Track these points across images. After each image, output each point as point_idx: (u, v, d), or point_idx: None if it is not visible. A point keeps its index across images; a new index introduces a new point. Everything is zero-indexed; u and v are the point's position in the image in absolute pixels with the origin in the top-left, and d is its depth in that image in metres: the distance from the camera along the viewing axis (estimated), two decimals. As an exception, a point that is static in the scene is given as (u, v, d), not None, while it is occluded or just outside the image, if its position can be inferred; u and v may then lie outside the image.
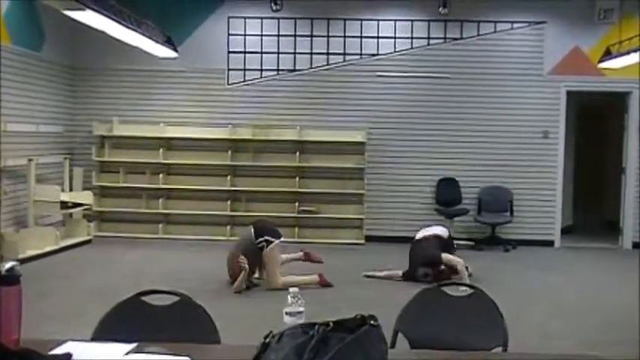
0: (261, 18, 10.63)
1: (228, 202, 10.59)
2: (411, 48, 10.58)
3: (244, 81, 10.69)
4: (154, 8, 9.47)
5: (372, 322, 1.73)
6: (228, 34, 10.68)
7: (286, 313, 2.19)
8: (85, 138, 10.68)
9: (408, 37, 10.57)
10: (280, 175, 10.52)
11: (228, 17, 10.65)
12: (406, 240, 9.98)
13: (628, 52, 8.99)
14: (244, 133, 10.54)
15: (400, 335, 2.80)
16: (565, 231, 11.05)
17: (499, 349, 2.71)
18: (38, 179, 9.29)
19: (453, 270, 7.65)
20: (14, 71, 8.85)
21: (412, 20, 10.55)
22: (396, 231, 10.47)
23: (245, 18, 10.65)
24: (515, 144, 10.56)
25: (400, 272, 7.90)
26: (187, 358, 2.15)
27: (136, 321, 2.65)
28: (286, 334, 1.73)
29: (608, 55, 9.71)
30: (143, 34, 8.31)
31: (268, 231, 7.36)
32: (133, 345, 2.27)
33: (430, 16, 10.49)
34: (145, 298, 2.74)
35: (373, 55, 10.59)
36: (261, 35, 10.66)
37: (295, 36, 10.65)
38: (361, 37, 10.59)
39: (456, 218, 10.30)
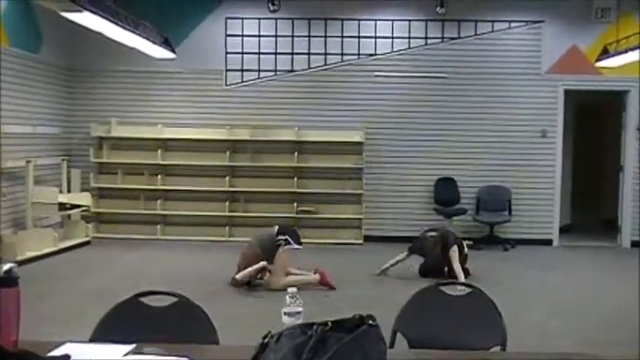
0: (259, 19, 10.63)
1: (227, 203, 10.58)
2: (409, 48, 10.58)
3: (242, 82, 10.69)
4: (152, 9, 9.47)
5: (370, 321, 1.73)
6: (226, 35, 10.67)
7: (285, 314, 2.19)
8: (83, 139, 10.68)
9: (405, 37, 10.58)
10: (278, 176, 10.53)
11: (226, 18, 10.65)
12: (405, 240, 10.01)
13: (625, 51, 8.99)
14: (242, 134, 10.53)
15: (399, 335, 2.80)
16: (563, 230, 11.06)
17: (497, 349, 2.71)
18: (36, 181, 9.28)
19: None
20: (12, 73, 8.84)
21: (409, 20, 10.55)
22: (394, 231, 10.47)
23: (242, 19, 10.65)
24: (513, 143, 10.57)
25: (405, 254, 8.05)
26: (186, 358, 2.15)
27: (135, 322, 2.65)
28: (285, 334, 1.73)
29: (605, 53, 9.72)
30: (140, 36, 8.31)
31: (290, 232, 7.43)
32: (132, 346, 2.27)
33: (428, 16, 10.50)
34: (144, 299, 2.74)
35: (371, 55, 10.59)
36: (259, 36, 10.66)
37: (293, 36, 10.65)
38: (359, 37, 10.59)
39: (454, 218, 10.30)
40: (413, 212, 10.42)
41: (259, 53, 10.66)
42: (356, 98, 10.57)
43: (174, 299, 2.74)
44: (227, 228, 10.57)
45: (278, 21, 10.62)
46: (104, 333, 2.55)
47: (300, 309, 2.20)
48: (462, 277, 7.61)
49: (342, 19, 10.58)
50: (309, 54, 10.63)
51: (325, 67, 10.63)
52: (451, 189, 10.46)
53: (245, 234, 10.36)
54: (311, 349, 1.64)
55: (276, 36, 10.64)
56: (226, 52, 10.69)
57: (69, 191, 10.16)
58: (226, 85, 10.70)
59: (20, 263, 7.74)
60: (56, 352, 2.15)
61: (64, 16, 7.01)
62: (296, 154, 10.44)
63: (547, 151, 10.59)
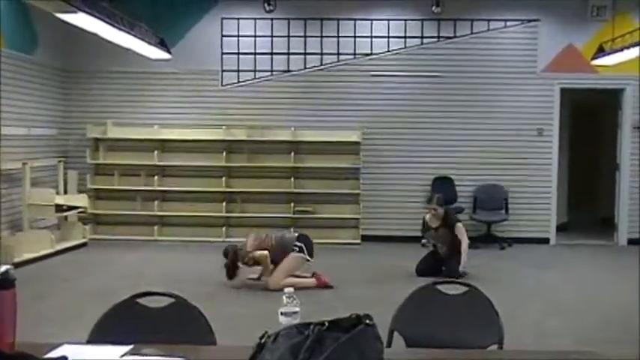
0: (255, 19, 10.63)
1: (224, 204, 10.58)
2: (405, 47, 10.59)
3: (238, 82, 10.69)
4: (147, 10, 9.45)
5: (367, 321, 1.73)
6: (222, 36, 10.67)
7: (281, 314, 2.19)
8: (79, 141, 10.67)
9: (401, 37, 10.58)
10: (275, 176, 10.52)
11: (222, 18, 10.64)
12: (402, 239, 10.05)
13: (621, 49, 9.00)
14: (239, 134, 10.53)
15: (396, 334, 2.81)
16: (560, 228, 11.07)
17: (495, 347, 2.71)
18: (33, 182, 9.27)
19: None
20: (7, 75, 8.82)
21: (405, 20, 10.56)
22: (392, 230, 10.48)
23: (238, 19, 10.64)
24: (509, 142, 10.58)
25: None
26: (183, 359, 2.15)
27: (132, 323, 2.65)
28: (282, 334, 1.73)
29: (601, 52, 9.73)
30: (136, 37, 8.29)
31: (307, 243, 7.42)
32: (129, 347, 2.26)
33: (423, 15, 10.50)
34: (141, 300, 2.73)
35: (367, 54, 10.60)
36: (255, 36, 10.66)
37: (289, 37, 10.65)
38: (355, 37, 10.59)
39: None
40: (410, 212, 10.40)
41: (255, 53, 10.66)
42: (352, 98, 10.58)
43: (172, 300, 2.74)
44: (224, 228, 10.56)
45: (274, 21, 10.61)
46: (101, 334, 2.55)
47: (297, 309, 2.20)
48: (465, 258, 7.87)
49: (338, 19, 10.58)
50: (305, 54, 10.63)
51: (321, 67, 10.63)
52: (448, 188, 10.45)
53: (242, 234, 10.36)
54: (308, 349, 1.64)
55: (272, 36, 10.64)
56: (222, 53, 10.68)
57: (65, 193, 10.16)
58: (222, 85, 10.70)
59: (17, 265, 7.75)
60: (53, 354, 2.15)
61: (59, 18, 7.00)
62: (293, 154, 10.43)
63: (543, 149, 10.61)
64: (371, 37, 10.59)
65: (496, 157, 10.59)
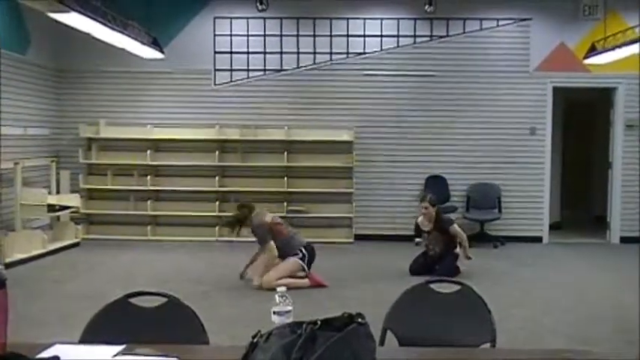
0: (247, 18, 10.62)
1: (217, 203, 10.57)
2: (398, 46, 10.59)
3: (231, 81, 10.68)
4: (140, 9, 9.42)
5: (359, 319, 1.73)
6: (214, 35, 10.66)
7: (274, 313, 2.19)
8: (72, 140, 10.64)
9: (394, 36, 10.59)
10: (268, 175, 10.52)
11: (214, 18, 10.63)
12: (396, 238, 10.05)
13: (613, 48, 9.03)
14: (232, 134, 10.52)
15: (389, 333, 2.81)
16: (553, 227, 11.10)
17: (487, 346, 2.72)
18: (25, 182, 9.24)
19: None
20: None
21: (398, 18, 10.56)
22: (385, 229, 10.49)
23: (231, 18, 10.63)
24: (502, 141, 10.60)
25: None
26: (176, 359, 2.15)
27: (125, 323, 2.64)
28: (274, 333, 1.73)
29: (593, 51, 9.75)
30: (129, 36, 8.27)
31: (311, 255, 7.46)
32: (122, 347, 2.26)
33: (416, 14, 10.51)
34: (133, 300, 2.73)
35: (360, 53, 10.60)
36: (248, 35, 10.65)
37: (282, 36, 10.64)
38: (347, 35, 10.59)
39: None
40: (403, 211, 10.41)
41: (248, 53, 10.65)
42: (345, 97, 10.58)
43: (164, 300, 2.73)
44: (217, 228, 10.55)
45: (266, 20, 10.61)
46: (94, 334, 2.55)
47: (289, 308, 2.20)
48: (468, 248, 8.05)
49: (331, 18, 10.58)
50: (297, 53, 10.63)
51: (314, 66, 10.63)
52: (441, 187, 10.47)
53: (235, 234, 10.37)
54: (300, 348, 1.64)
55: (264, 35, 10.63)
56: (215, 52, 10.67)
57: (58, 192, 10.12)
58: (215, 84, 10.69)
59: (9, 265, 7.75)
60: (45, 354, 2.14)
61: (52, 17, 6.97)
62: (286, 153, 10.43)
63: (536, 148, 10.63)
64: (364, 36, 10.59)
65: (489, 156, 10.60)
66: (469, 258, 8.08)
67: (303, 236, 7.75)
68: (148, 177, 10.56)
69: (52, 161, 10.20)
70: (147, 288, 2.78)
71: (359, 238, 10.47)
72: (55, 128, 10.61)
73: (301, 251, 7.37)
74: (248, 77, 10.67)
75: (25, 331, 5.04)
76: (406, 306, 2.89)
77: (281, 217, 10.19)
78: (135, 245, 10.08)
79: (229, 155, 10.63)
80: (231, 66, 10.67)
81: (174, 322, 2.67)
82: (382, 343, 2.73)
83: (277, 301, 2.21)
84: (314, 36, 10.62)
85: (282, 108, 10.61)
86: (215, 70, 10.68)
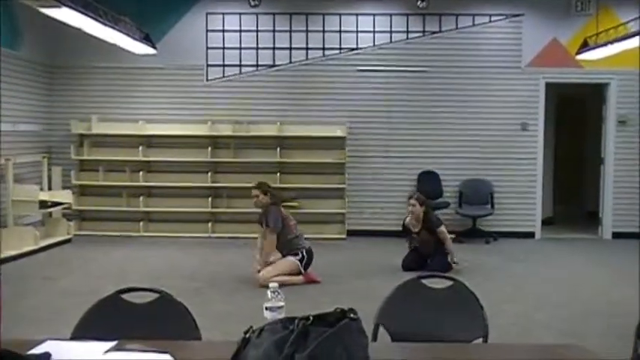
0: (240, 14, 10.59)
1: (209, 199, 10.55)
2: (390, 42, 10.59)
3: (223, 77, 10.66)
4: (132, 5, 9.39)
5: (351, 315, 1.73)
6: (207, 30, 10.63)
7: (266, 309, 2.19)
8: (64, 136, 10.61)
9: (387, 31, 10.58)
10: (261, 171, 10.48)
11: (207, 13, 10.60)
12: (388, 234, 10.06)
13: (605, 44, 9.06)
14: (224, 130, 10.50)
15: (381, 328, 2.81)
16: (545, 222, 11.13)
17: (480, 341, 2.72)
18: (16, 179, 9.21)
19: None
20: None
21: (391, 14, 10.55)
22: (377, 225, 10.49)
23: (223, 14, 10.61)
24: (494, 136, 10.61)
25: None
26: (168, 354, 2.14)
27: (116, 319, 2.64)
28: (266, 329, 1.73)
29: (585, 46, 9.78)
30: (121, 31, 8.25)
31: (310, 257, 7.48)
32: (113, 343, 2.25)
33: (409, 10, 10.51)
34: (125, 296, 2.72)
35: (352, 49, 10.59)
36: (240, 31, 10.63)
37: (274, 31, 10.62)
38: (340, 31, 10.58)
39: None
40: (396, 206, 10.41)
41: (240, 48, 10.63)
42: (338, 93, 10.57)
43: (156, 296, 2.73)
44: (210, 224, 10.54)
45: (259, 16, 10.59)
46: (85, 330, 2.54)
47: (281, 303, 2.19)
48: (453, 252, 8.01)
49: (324, 14, 10.57)
50: (290, 49, 10.62)
51: (307, 61, 10.62)
52: (433, 183, 10.49)
53: (228, 230, 10.39)
54: (292, 344, 1.64)
55: (257, 31, 10.61)
56: (207, 48, 10.64)
57: (50, 189, 10.09)
58: (208, 80, 10.67)
59: (0, 262, 7.71)
60: (36, 350, 2.14)
61: (43, 12, 6.94)
62: (278, 149, 10.42)
63: (528, 144, 10.65)
64: (356, 31, 10.58)
65: (481, 152, 10.62)
66: (455, 263, 8.01)
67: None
68: (140, 173, 10.54)
69: (44, 157, 10.17)
70: (139, 284, 2.78)
71: (351, 233, 10.47)
72: (46, 124, 10.57)
73: (302, 252, 7.39)
74: (240, 73, 10.65)
75: (17, 328, 5.02)
76: (398, 302, 2.89)
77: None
78: (127, 241, 10.06)
79: (222, 151, 10.61)
80: (223, 62, 10.65)
81: (166, 318, 2.66)
82: (374, 338, 2.73)
83: (269, 296, 2.20)
84: (306, 31, 10.60)
85: (275, 104, 10.60)
86: (207, 65, 10.65)
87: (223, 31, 10.63)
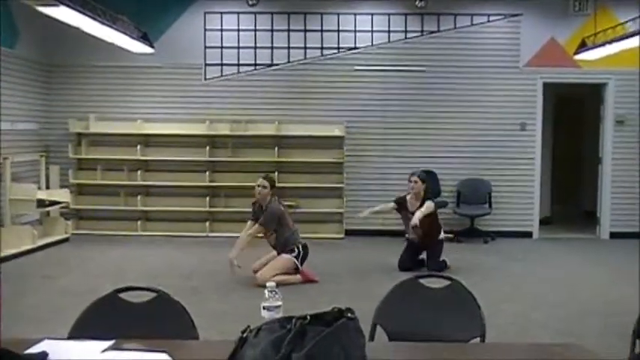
0: (238, 13, 10.59)
1: (207, 198, 10.55)
2: (389, 41, 10.59)
3: (221, 76, 10.65)
4: (129, 4, 9.39)
5: (349, 314, 1.73)
6: (205, 30, 10.62)
7: (264, 308, 2.19)
8: (62, 135, 10.60)
9: (385, 31, 10.58)
10: (259, 170, 10.42)
11: (205, 12, 10.59)
12: (386, 234, 10.07)
13: (603, 44, 9.07)
14: (222, 129, 10.50)
15: (379, 328, 2.81)
16: (543, 222, 11.13)
17: (477, 341, 2.72)
18: (14, 177, 9.20)
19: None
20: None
21: (389, 14, 10.55)
22: (375, 225, 10.49)
23: (221, 13, 10.60)
24: (493, 136, 10.62)
25: (391, 205, 8.35)
26: (165, 354, 2.14)
27: (114, 318, 2.64)
28: (264, 328, 1.73)
29: (583, 46, 9.79)
30: (118, 30, 8.25)
31: (305, 253, 7.47)
32: (111, 342, 2.25)
33: (407, 10, 10.51)
34: (123, 295, 2.72)
35: (351, 48, 10.59)
36: (238, 30, 10.62)
37: (272, 30, 10.62)
38: (338, 30, 10.58)
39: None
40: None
41: (238, 47, 10.62)
42: (336, 92, 10.57)
43: (154, 295, 2.73)
44: (208, 223, 10.54)
45: (257, 15, 10.58)
46: (83, 329, 2.54)
47: (279, 303, 2.20)
48: (420, 216, 7.82)
49: (322, 13, 10.56)
50: (288, 48, 10.61)
51: (305, 61, 10.61)
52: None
53: (226, 229, 10.38)
54: (290, 343, 1.64)
55: (255, 30, 10.61)
56: (205, 47, 10.64)
57: (47, 188, 10.08)
58: (206, 79, 10.66)
59: (-1, 261, 7.70)
60: (34, 350, 2.13)
61: (41, 11, 6.94)
62: (276, 148, 10.41)
63: (526, 143, 10.65)
64: (355, 31, 10.58)
65: (479, 152, 10.62)
66: (415, 226, 7.85)
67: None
68: (138, 172, 10.53)
69: (42, 156, 10.16)
70: (137, 283, 2.78)
71: (349, 233, 10.48)
72: (44, 123, 10.56)
73: (297, 248, 7.39)
74: (239, 72, 10.65)
75: (15, 327, 5.02)
76: (396, 301, 2.89)
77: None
78: (125, 240, 10.06)
79: (220, 150, 10.60)
80: (221, 61, 10.64)
81: (163, 317, 2.66)
82: (372, 338, 2.73)
83: (267, 296, 2.21)
84: (305, 31, 10.60)
85: (273, 103, 10.60)
86: (205, 64, 10.65)
87: (221, 30, 10.62)
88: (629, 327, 2.70)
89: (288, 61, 10.62)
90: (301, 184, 10.45)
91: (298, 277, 7.35)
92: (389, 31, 10.58)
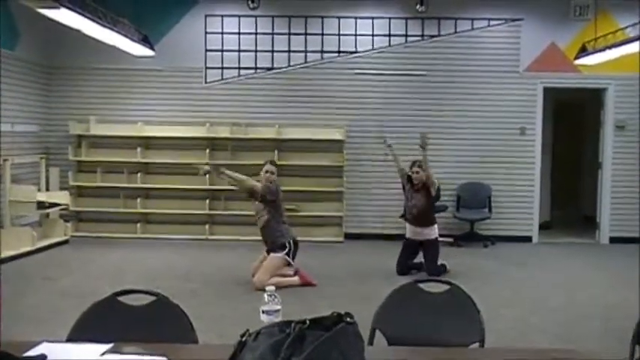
0: (239, 16, 10.60)
1: (207, 201, 10.54)
2: (389, 45, 10.59)
3: (222, 79, 10.65)
4: (130, 6, 9.39)
5: (348, 319, 1.73)
6: (206, 33, 10.63)
7: (263, 312, 2.18)
8: (62, 137, 10.60)
9: (385, 35, 10.59)
10: (259, 174, 10.45)
11: (205, 15, 10.60)
12: (386, 237, 10.06)
13: (603, 49, 9.07)
14: (222, 132, 10.50)
15: (378, 332, 2.81)
16: (543, 226, 11.13)
17: (476, 345, 2.72)
18: (14, 179, 9.20)
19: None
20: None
21: (390, 18, 10.56)
22: (375, 228, 10.49)
23: (222, 16, 10.61)
24: (492, 140, 10.62)
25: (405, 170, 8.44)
26: (164, 358, 2.14)
27: (113, 321, 2.64)
28: (263, 332, 1.72)
29: (584, 51, 9.79)
30: (119, 33, 8.25)
31: (295, 247, 7.45)
32: (109, 345, 2.25)
33: (408, 14, 10.52)
34: (122, 298, 2.72)
35: (351, 52, 10.59)
36: (239, 33, 10.63)
37: (273, 34, 10.63)
38: (339, 34, 10.59)
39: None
40: (393, 210, 10.39)
41: (239, 51, 10.63)
42: (336, 96, 10.57)
43: (153, 298, 2.72)
44: (207, 226, 10.53)
45: (258, 18, 10.59)
46: (82, 332, 2.53)
47: (278, 307, 2.19)
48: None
49: (322, 17, 10.57)
50: (289, 51, 10.62)
51: (305, 64, 10.62)
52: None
53: (225, 232, 10.38)
54: (289, 347, 1.64)
55: (256, 33, 10.61)
56: (206, 50, 10.64)
57: (47, 190, 10.09)
58: (206, 82, 10.66)
59: (-1, 262, 7.70)
60: (32, 352, 2.13)
61: (42, 13, 6.94)
62: (276, 151, 10.41)
63: (526, 148, 10.66)
64: (355, 35, 10.58)
65: (479, 156, 10.62)
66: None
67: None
68: (138, 174, 10.53)
69: (42, 158, 10.16)
70: (136, 286, 2.77)
71: (349, 237, 10.47)
72: (44, 125, 10.56)
73: (289, 243, 7.35)
74: (239, 75, 10.65)
75: (14, 328, 5.02)
76: (395, 305, 2.89)
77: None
78: (124, 243, 10.06)
79: (220, 153, 10.60)
80: (222, 64, 10.65)
81: (162, 320, 2.66)
82: (371, 342, 2.73)
83: (266, 300, 2.20)
84: (305, 34, 10.61)
85: (273, 106, 10.60)
86: (206, 67, 10.65)
87: (222, 33, 10.63)
88: (629, 332, 2.70)
89: (289, 65, 10.62)
90: (301, 188, 10.44)
91: (296, 278, 7.34)
92: (389, 35, 10.59)
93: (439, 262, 8.09)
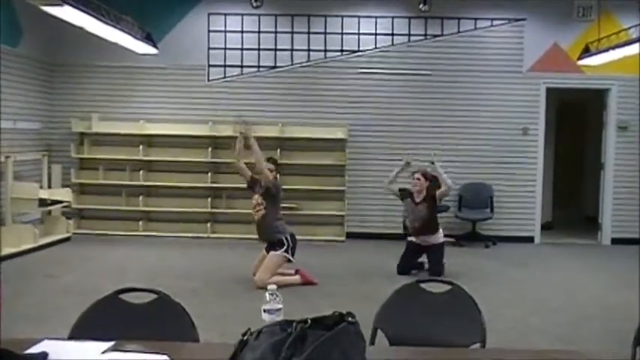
0: (242, 14, 10.60)
1: (209, 199, 10.55)
2: (392, 45, 10.59)
3: (225, 77, 10.66)
4: (133, 4, 9.39)
5: (349, 318, 1.72)
6: (209, 31, 10.63)
7: (264, 311, 2.18)
8: (64, 135, 10.61)
9: (389, 34, 10.58)
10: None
11: (209, 14, 10.60)
12: (387, 237, 10.06)
13: (607, 50, 9.06)
14: (225, 130, 10.48)
15: (379, 332, 2.81)
16: (545, 227, 11.12)
17: (477, 346, 2.72)
18: (16, 176, 9.21)
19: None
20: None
21: (393, 17, 10.56)
22: (376, 228, 10.49)
23: (225, 14, 10.61)
24: (495, 141, 10.61)
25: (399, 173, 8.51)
26: (165, 356, 2.14)
27: (114, 319, 2.64)
28: (264, 331, 1.72)
29: (587, 52, 9.78)
30: (122, 30, 8.25)
31: (294, 243, 7.37)
32: (111, 343, 2.25)
33: (411, 13, 10.51)
34: (124, 296, 2.72)
35: (354, 51, 10.59)
36: (242, 32, 10.63)
37: (276, 32, 10.62)
38: (342, 33, 10.58)
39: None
40: (395, 209, 10.39)
41: (242, 49, 10.63)
42: (339, 95, 10.57)
43: (155, 296, 2.72)
44: (209, 224, 10.53)
45: (261, 17, 10.59)
46: (83, 330, 2.54)
47: (279, 306, 2.19)
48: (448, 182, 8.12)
49: (326, 16, 10.57)
50: (292, 50, 10.62)
51: (308, 63, 10.62)
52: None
53: (227, 231, 10.39)
54: (290, 347, 1.64)
55: (259, 32, 10.61)
56: (209, 48, 10.65)
57: (49, 187, 10.10)
58: (209, 80, 10.66)
59: (0, 260, 7.70)
60: (33, 350, 2.13)
61: (45, 10, 6.94)
62: (279, 150, 10.41)
63: (529, 148, 10.65)
64: (358, 34, 10.58)
65: (482, 156, 10.62)
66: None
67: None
68: (140, 172, 10.54)
69: (44, 155, 10.17)
70: (137, 284, 2.78)
71: (351, 236, 10.47)
72: (47, 122, 10.57)
73: (287, 240, 7.31)
74: (242, 74, 10.65)
75: (16, 326, 5.02)
76: (396, 305, 2.89)
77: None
78: (126, 240, 10.06)
79: (222, 152, 10.59)
80: (224, 62, 10.65)
81: (164, 318, 2.66)
82: (372, 342, 2.73)
83: (268, 298, 2.20)
84: (308, 33, 10.61)
85: (276, 105, 10.60)
86: (209, 66, 10.65)
87: (225, 31, 10.63)
88: (630, 333, 2.70)
89: (292, 64, 10.62)
90: (303, 186, 10.44)
91: (297, 277, 7.34)
92: (392, 34, 10.59)
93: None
